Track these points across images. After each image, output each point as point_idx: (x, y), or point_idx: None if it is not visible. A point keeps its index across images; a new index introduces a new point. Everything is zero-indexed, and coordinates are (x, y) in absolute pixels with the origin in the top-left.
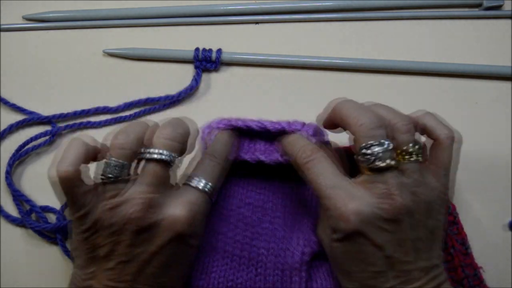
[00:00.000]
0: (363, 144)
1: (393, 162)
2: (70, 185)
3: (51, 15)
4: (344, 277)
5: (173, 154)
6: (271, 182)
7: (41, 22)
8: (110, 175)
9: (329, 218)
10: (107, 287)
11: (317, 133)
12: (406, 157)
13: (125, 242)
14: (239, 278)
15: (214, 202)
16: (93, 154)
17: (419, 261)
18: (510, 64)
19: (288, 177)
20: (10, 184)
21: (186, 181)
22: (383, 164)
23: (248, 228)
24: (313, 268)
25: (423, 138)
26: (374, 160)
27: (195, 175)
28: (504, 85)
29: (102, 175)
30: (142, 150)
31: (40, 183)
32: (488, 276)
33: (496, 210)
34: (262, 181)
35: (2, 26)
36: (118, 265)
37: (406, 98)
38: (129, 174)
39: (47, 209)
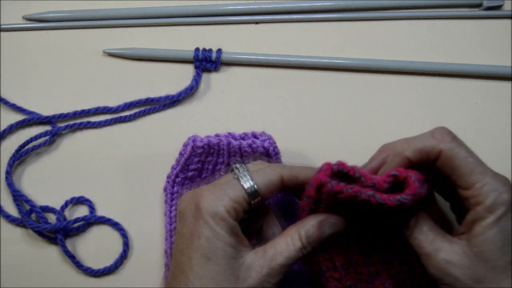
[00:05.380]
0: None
1: None
2: None
3: (51, 15)
4: (496, 275)
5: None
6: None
7: (41, 22)
8: None
9: (479, 206)
10: None
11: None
12: None
13: None
14: None
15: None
16: None
17: None
18: (510, 64)
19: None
20: (10, 184)
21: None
22: None
23: None
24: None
25: None
26: None
27: (248, 174)
28: (504, 85)
29: None
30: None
31: (40, 183)
32: None
33: None
34: None
35: (2, 26)
36: None
37: (406, 98)
38: None
39: (47, 209)
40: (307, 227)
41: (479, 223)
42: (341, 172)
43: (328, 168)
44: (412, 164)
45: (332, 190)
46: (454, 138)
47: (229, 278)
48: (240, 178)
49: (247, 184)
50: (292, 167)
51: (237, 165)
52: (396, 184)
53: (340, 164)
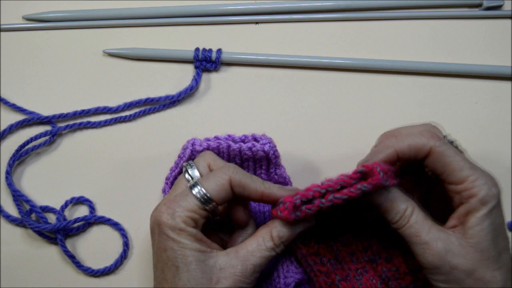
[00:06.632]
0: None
1: None
2: None
3: (51, 15)
4: (490, 265)
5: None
6: (254, 212)
7: (41, 22)
8: None
9: (473, 199)
10: None
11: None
12: None
13: None
14: None
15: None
16: None
17: None
18: (510, 64)
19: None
20: (10, 184)
21: (190, 185)
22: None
23: None
24: None
25: None
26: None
27: (199, 183)
28: (504, 85)
29: None
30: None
31: (40, 183)
32: None
33: None
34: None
35: (2, 26)
36: None
37: (406, 98)
38: None
39: (47, 209)
40: (278, 228)
41: (473, 215)
42: (304, 201)
43: (290, 205)
44: (399, 159)
45: (298, 219)
46: (442, 138)
47: (201, 282)
48: (192, 188)
49: (200, 193)
50: (245, 175)
51: (185, 164)
52: (364, 176)
53: (302, 196)
